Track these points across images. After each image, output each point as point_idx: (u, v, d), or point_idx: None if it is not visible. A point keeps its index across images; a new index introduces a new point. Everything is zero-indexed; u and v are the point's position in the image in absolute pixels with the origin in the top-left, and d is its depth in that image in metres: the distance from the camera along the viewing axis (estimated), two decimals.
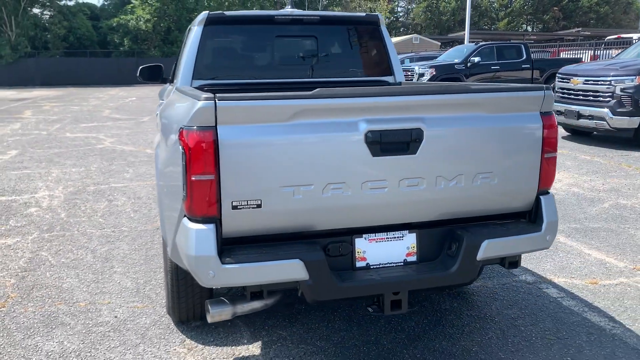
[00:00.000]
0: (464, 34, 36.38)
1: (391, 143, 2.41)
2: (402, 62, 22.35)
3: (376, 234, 2.59)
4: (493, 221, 2.76)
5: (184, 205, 2.35)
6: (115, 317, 3.42)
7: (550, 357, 2.94)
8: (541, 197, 2.74)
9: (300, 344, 3.09)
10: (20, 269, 4.19)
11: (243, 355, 2.98)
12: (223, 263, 2.30)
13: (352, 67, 4.21)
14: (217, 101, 2.21)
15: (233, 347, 3.06)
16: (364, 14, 4.14)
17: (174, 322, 3.32)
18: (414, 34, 46.95)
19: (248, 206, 2.32)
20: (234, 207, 2.31)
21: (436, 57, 20.10)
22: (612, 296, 3.68)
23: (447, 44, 40.76)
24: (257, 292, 2.45)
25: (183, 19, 39.26)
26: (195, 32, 3.81)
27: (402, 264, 2.63)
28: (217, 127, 2.24)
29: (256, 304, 2.67)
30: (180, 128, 2.30)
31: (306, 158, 2.35)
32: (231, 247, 2.39)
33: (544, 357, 2.94)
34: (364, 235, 2.57)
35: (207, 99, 2.21)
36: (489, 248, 2.59)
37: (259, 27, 4.01)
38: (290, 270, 2.35)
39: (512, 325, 3.29)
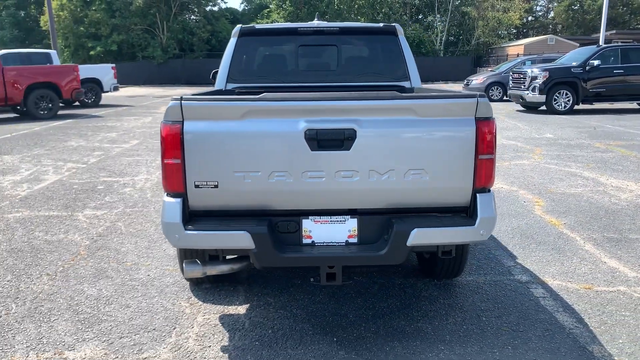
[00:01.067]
0: (607, 33, 33.82)
1: (327, 140, 2.87)
2: (523, 63, 21.54)
3: (321, 217, 3.05)
4: (434, 214, 3.08)
5: (162, 183, 3.01)
6: (148, 275, 4.21)
7: (493, 344, 3.18)
8: (478, 194, 3.01)
9: (279, 309, 3.63)
10: (96, 234, 5.18)
11: (230, 313, 3.59)
12: (186, 229, 2.92)
13: (370, 73, 4.62)
14: (182, 101, 2.84)
15: (225, 306, 3.68)
16: (381, 25, 4.55)
17: (189, 283, 4.03)
18: (550, 34, 44.39)
19: (207, 186, 2.92)
20: (196, 186, 2.92)
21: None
22: (597, 301, 3.73)
23: (588, 45, 38.05)
24: (215, 256, 3.05)
25: None
26: (230, 42, 4.50)
27: (344, 244, 3.06)
28: (184, 122, 2.87)
29: (224, 267, 3.25)
30: (161, 122, 2.96)
31: (254, 150, 2.89)
32: (198, 218, 3.00)
33: (488, 344, 3.19)
34: (310, 217, 3.04)
35: (175, 99, 2.85)
36: (418, 235, 2.93)
37: (284, 38, 4.59)
38: (239, 239, 2.91)
39: (476, 315, 3.54)
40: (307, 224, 3.05)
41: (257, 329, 3.37)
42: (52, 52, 18.75)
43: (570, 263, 4.41)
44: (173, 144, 2.87)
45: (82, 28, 39.80)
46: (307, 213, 3.04)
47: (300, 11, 41.17)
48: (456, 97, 2.95)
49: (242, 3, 56.65)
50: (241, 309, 3.65)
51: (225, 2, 74.27)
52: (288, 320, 3.48)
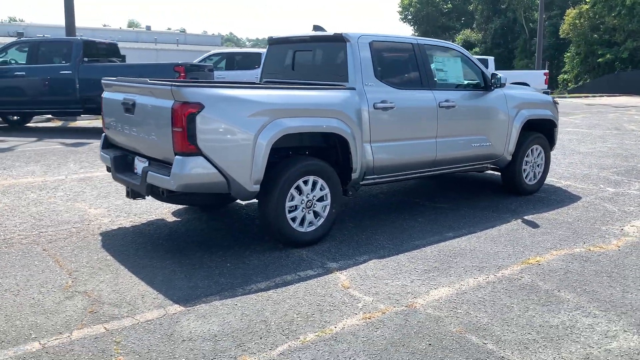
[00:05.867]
0: None
1: (127, 108, 4.71)
2: None
3: (139, 157, 4.85)
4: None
5: None
6: None
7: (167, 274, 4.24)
8: (176, 156, 4.18)
9: (182, 225, 5.48)
10: None
11: (161, 217, 5.69)
12: (101, 151, 5.35)
13: (325, 73, 5.41)
14: (102, 80, 5.24)
15: (166, 216, 5.79)
16: (332, 34, 5.26)
17: None
18: None
19: (106, 128, 5.24)
20: (106, 128, 5.29)
21: None
22: (314, 291, 3.91)
23: None
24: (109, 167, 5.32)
25: None
26: (266, 49, 6.23)
27: None
28: (104, 91, 5.26)
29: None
30: None
31: (112, 109, 5.01)
32: (111, 146, 5.34)
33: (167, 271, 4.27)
34: (137, 157, 4.90)
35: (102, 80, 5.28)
36: (149, 176, 4.41)
37: (288, 46, 5.91)
38: (107, 160, 5.14)
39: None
40: (136, 161, 4.92)
41: (158, 228, 5.42)
42: (490, 58, 21.15)
43: (405, 280, 4.22)
44: (101, 104, 5.33)
45: (595, 35, 39.69)
46: (135, 153, 4.91)
47: None
48: (162, 84, 4.22)
49: None
50: (171, 217, 5.69)
51: None
52: (171, 232, 5.35)
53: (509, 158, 6.57)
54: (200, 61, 16.22)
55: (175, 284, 4.02)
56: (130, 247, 4.81)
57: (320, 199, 4.88)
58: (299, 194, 4.73)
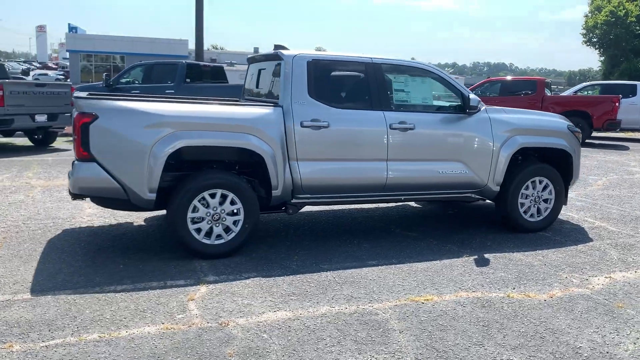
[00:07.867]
0: None
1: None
2: None
3: None
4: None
5: None
6: None
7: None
8: (75, 161, 4.61)
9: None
10: None
11: (140, 219, 6.19)
12: None
13: (268, 91, 5.45)
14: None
15: (140, 218, 6.27)
16: (273, 52, 5.27)
17: None
18: None
19: None
20: None
21: None
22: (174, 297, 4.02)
23: None
24: None
25: None
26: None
27: None
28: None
29: None
30: None
31: None
32: None
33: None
34: None
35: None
36: (68, 179, 4.91)
37: (257, 64, 6.03)
38: None
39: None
40: None
41: (115, 230, 5.95)
42: (637, 83, 18.66)
43: (257, 301, 4.12)
44: None
45: None
46: None
47: None
48: (81, 99, 4.66)
49: None
50: (140, 222, 6.16)
51: None
52: (121, 234, 5.82)
53: (496, 189, 5.91)
54: None
55: (55, 277, 4.41)
56: (68, 243, 5.34)
57: (233, 214, 4.93)
58: (205, 207, 4.84)
